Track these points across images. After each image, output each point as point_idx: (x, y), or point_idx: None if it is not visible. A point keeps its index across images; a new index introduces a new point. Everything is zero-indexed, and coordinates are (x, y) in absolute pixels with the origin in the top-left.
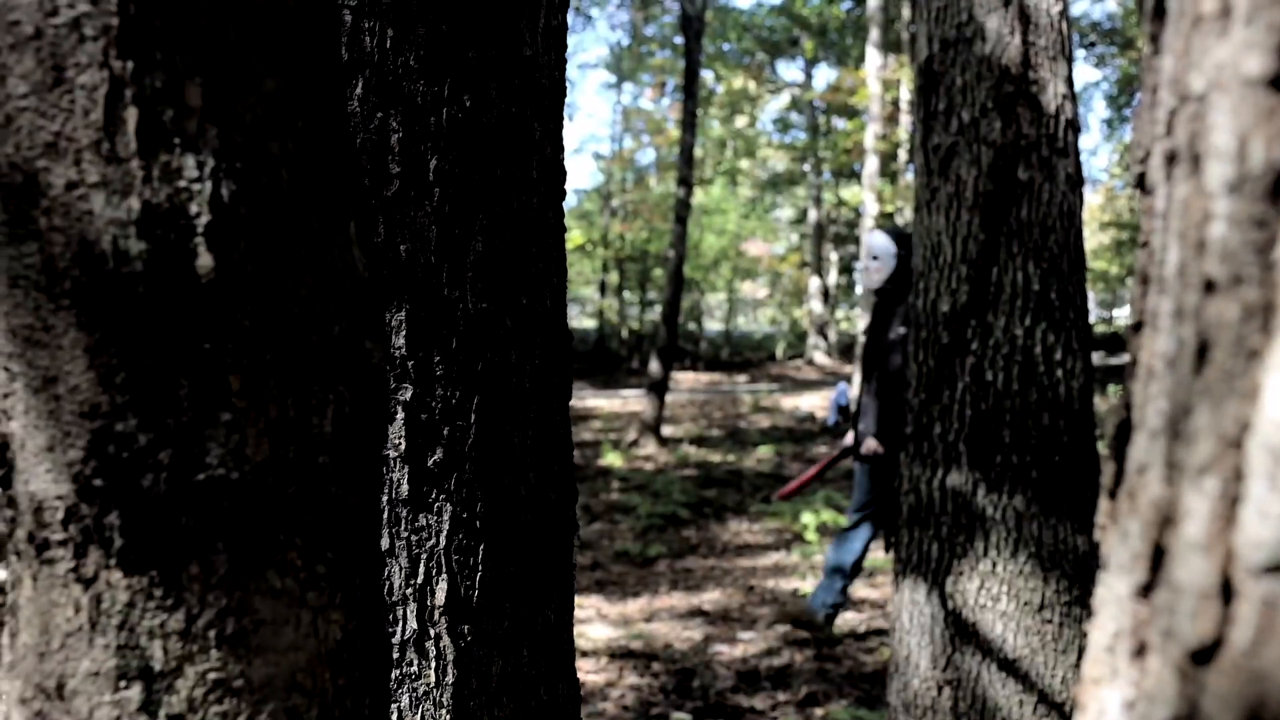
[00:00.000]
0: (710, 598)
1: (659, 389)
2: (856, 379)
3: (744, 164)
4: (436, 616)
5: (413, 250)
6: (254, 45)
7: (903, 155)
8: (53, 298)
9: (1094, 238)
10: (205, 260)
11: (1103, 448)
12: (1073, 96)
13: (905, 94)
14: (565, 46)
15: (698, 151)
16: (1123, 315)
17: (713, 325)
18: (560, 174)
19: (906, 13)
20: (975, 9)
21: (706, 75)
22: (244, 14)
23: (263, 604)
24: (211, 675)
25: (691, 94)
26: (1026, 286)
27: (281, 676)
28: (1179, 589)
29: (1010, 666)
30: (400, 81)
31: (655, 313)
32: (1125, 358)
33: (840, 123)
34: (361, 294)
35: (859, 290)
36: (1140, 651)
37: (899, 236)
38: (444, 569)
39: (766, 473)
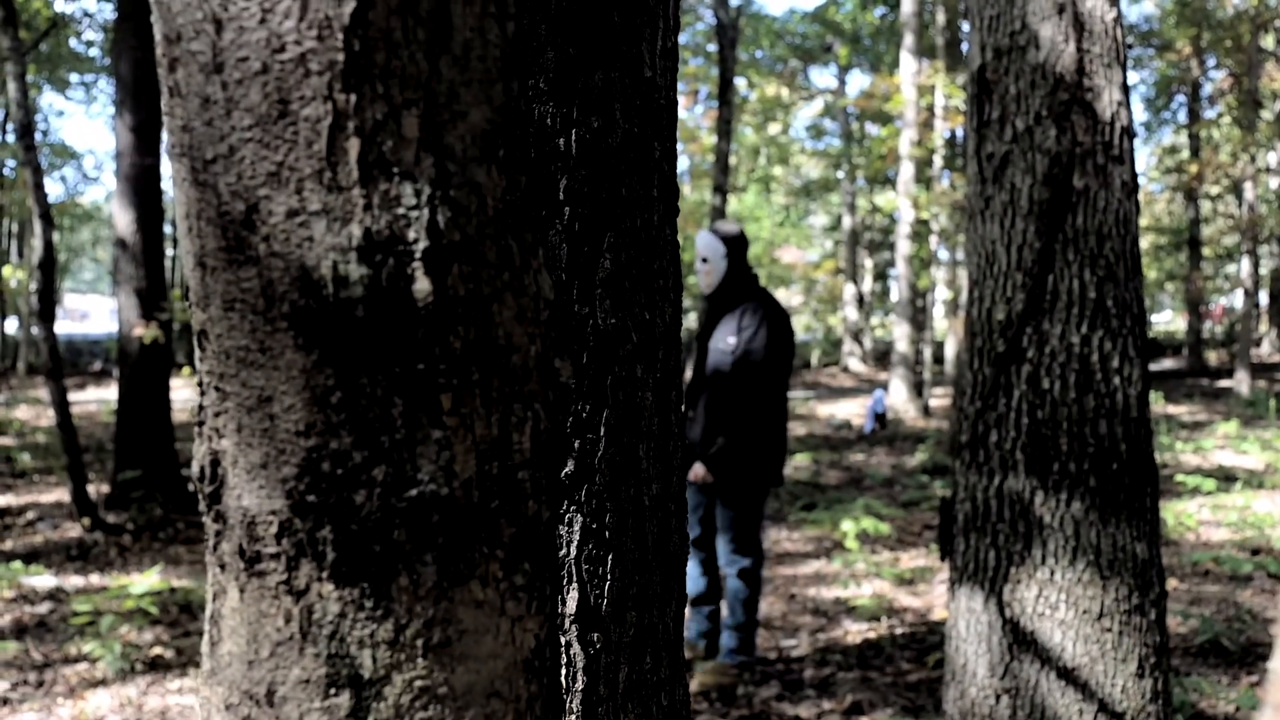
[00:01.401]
0: None
1: None
2: (894, 386)
3: (778, 171)
4: (567, 624)
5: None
6: (463, 78)
7: (938, 161)
8: (269, 320)
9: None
10: (423, 285)
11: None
12: (1128, 103)
13: (940, 100)
14: (677, 67)
15: (731, 158)
16: (1161, 321)
17: None
18: (675, 192)
19: (941, 18)
20: (1029, 17)
21: (740, 82)
22: (454, 49)
23: (466, 614)
24: (418, 683)
25: (725, 101)
26: (1083, 294)
27: (482, 683)
28: None
29: (1069, 675)
30: (531, 104)
31: (691, 320)
32: (1166, 364)
33: (874, 129)
34: (552, 315)
35: (894, 297)
36: None
37: (726, 237)
38: (574, 578)
39: (804, 480)
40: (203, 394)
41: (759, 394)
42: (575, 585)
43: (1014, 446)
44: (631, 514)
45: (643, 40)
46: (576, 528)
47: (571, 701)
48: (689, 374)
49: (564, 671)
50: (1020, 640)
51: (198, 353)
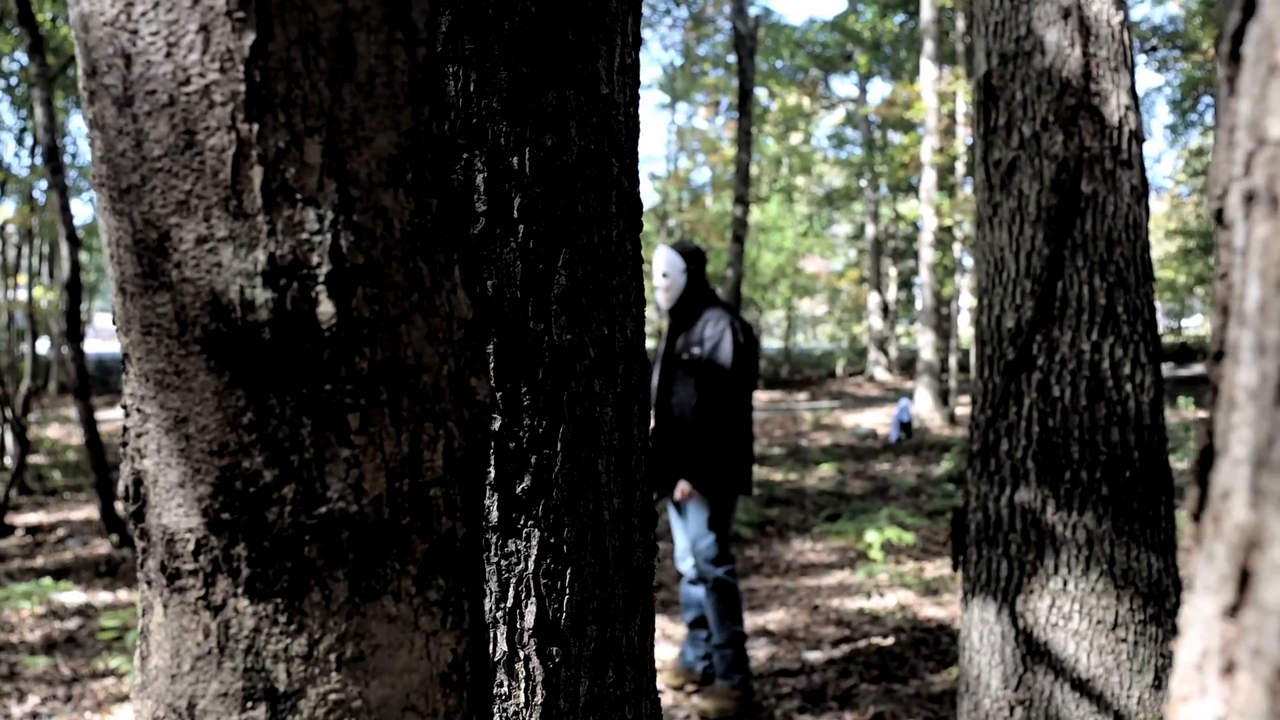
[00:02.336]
0: (775, 617)
1: None
2: (919, 394)
3: (800, 180)
4: (526, 639)
5: (499, 285)
6: (368, 104)
7: (960, 168)
8: (183, 344)
9: (1160, 246)
10: (326, 308)
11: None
12: (1136, 107)
13: (961, 106)
14: (639, 83)
15: (753, 169)
16: (1192, 325)
17: (772, 343)
18: (638, 207)
19: (961, 25)
20: (1034, 22)
21: (760, 92)
22: (358, 76)
23: (379, 628)
24: (332, 696)
25: (746, 112)
26: (1093, 300)
27: (397, 697)
28: (1266, 609)
29: (1084, 686)
30: (484, 124)
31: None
32: (1196, 369)
33: (896, 137)
34: (467, 335)
35: (919, 305)
36: (1229, 669)
37: (686, 252)
38: (533, 593)
39: (829, 491)
40: (127, 415)
41: (726, 400)
42: (534, 599)
43: (1025, 455)
44: (591, 528)
45: (599, 58)
46: (534, 542)
47: (530, 715)
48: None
49: (522, 685)
50: (1034, 651)
51: (123, 376)
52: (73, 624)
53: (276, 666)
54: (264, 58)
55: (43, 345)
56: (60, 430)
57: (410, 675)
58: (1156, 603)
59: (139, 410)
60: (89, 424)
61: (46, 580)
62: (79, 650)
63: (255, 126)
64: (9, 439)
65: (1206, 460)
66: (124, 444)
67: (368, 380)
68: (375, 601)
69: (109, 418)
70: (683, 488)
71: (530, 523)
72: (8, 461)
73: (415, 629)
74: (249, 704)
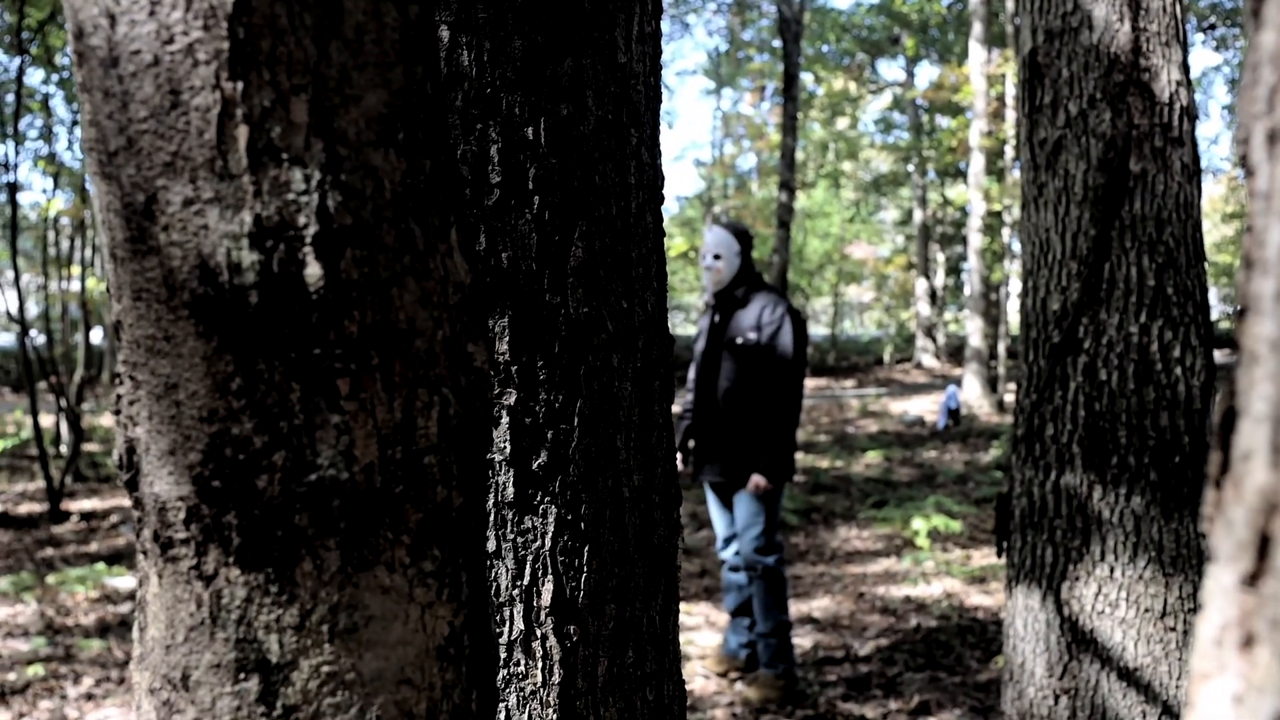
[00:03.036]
0: (820, 605)
1: None
2: (967, 381)
3: (846, 166)
4: (543, 617)
5: (514, 257)
6: (356, 62)
7: (1009, 152)
8: (172, 309)
9: (1217, 230)
10: (314, 270)
11: None
12: (1188, 83)
13: (1010, 89)
14: (660, 52)
15: (799, 155)
16: None
17: (818, 329)
18: (659, 179)
19: (1010, 5)
20: None
21: (806, 77)
22: (345, 33)
23: (372, 599)
24: (325, 668)
25: (791, 97)
26: (1141, 282)
27: (391, 670)
28: None
29: (1130, 676)
30: (498, 94)
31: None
32: None
33: (944, 121)
34: (464, 299)
35: (967, 291)
36: (1248, 643)
37: (739, 232)
38: (549, 570)
39: (875, 478)
40: (119, 384)
41: (788, 389)
42: (551, 577)
43: (1071, 440)
44: (610, 505)
45: (616, 26)
46: (551, 519)
47: (548, 694)
48: (694, 373)
49: (539, 664)
50: (1079, 639)
51: (116, 343)
52: (125, 608)
53: (269, 637)
54: (248, 14)
55: (96, 335)
56: (113, 419)
57: (405, 648)
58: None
59: (131, 378)
60: None
61: (100, 565)
62: (132, 634)
63: (239, 85)
64: (64, 427)
65: (1229, 422)
66: (116, 411)
67: (358, 344)
68: (368, 572)
69: None
70: (757, 480)
71: (547, 499)
72: (63, 449)
73: (410, 600)
74: (241, 675)
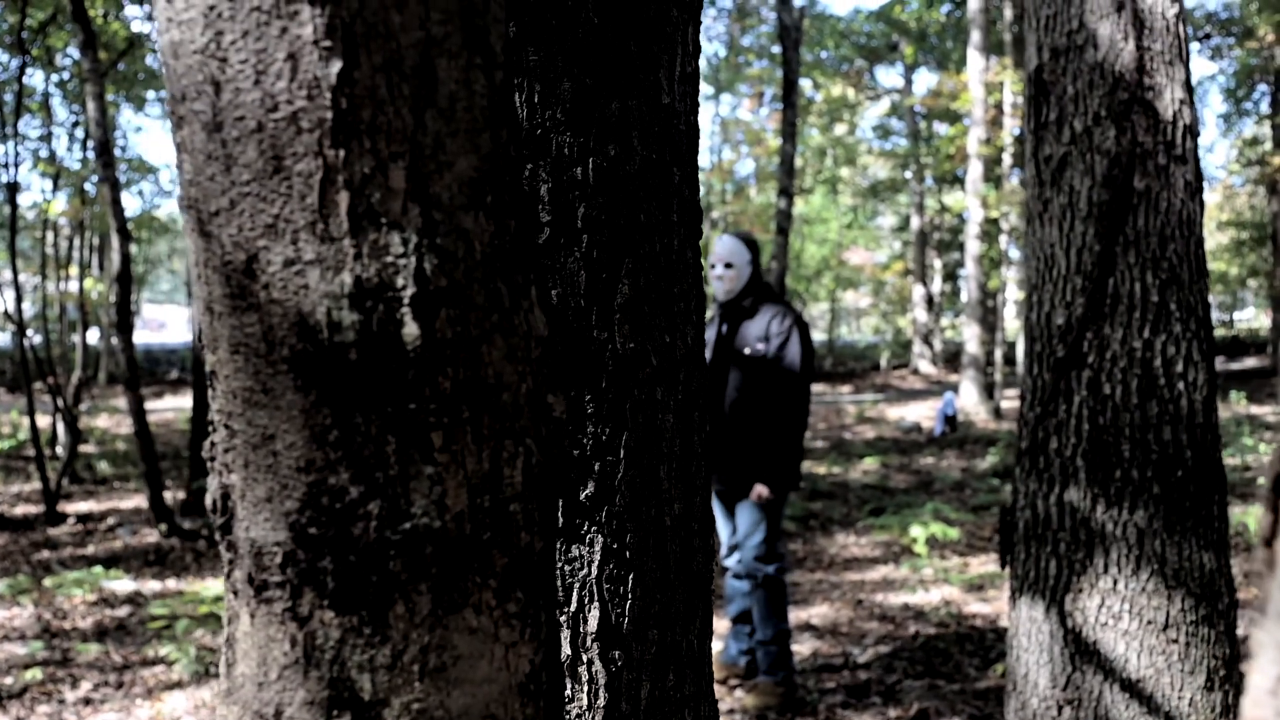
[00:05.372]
0: (819, 612)
1: None
2: (964, 388)
3: (844, 172)
4: (589, 643)
5: (563, 294)
6: (449, 129)
7: (1007, 160)
8: (271, 363)
9: (1212, 238)
10: (411, 329)
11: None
12: (1191, 102)
13: (1009, 97)
14: (698, 91)
15: (797, 161)
16: (1245, 318)
17: (816, 335)
18: (697, 215)
19: (1009, 14)
20: (1086, 16)
21: (805, 83)
22: (439, 101)
23: (461, 640)
24: (415, 705)
25: (790, 103)
26: (1145, 297)
27: (477, 706)
28: None
29: (1133, 687)
30: (548, 135)
31: None
32: (1249, 363)
33: (942, 128)
34: (544, 353)
35: (964, 298)
36: None
37: (750, 242)
38: (596, 597)
39: (873, 485)
40: (213, 431)
41: (795, 400)
42: (597, 604)
43: (1074, 453)
44: (653, 534)
45: (660, 67)
46: (598, 548)
47: (593, 718)
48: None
49: (585, 689)
50: (1083, 651)
51: (210, 392)
52: (123, 612)
53: (361, 676)
54: (350, 85)
55: (92, 336)
56: (109, 420)
57: (490, 685)
58: (1209, 603)
59: (226, 426)
60: (139, 415)
61: (97, 568)
62: (129, 638)
63: (342, 152)
64: (61, 429)
65: None
66: (211, 458)
67: (450, 399)
68: (457, 614)
69: (155, 408)
70: (759, 490)
71: (594, 528)
72: (59, 450)
73: (495, 640)
74: (334, 711)
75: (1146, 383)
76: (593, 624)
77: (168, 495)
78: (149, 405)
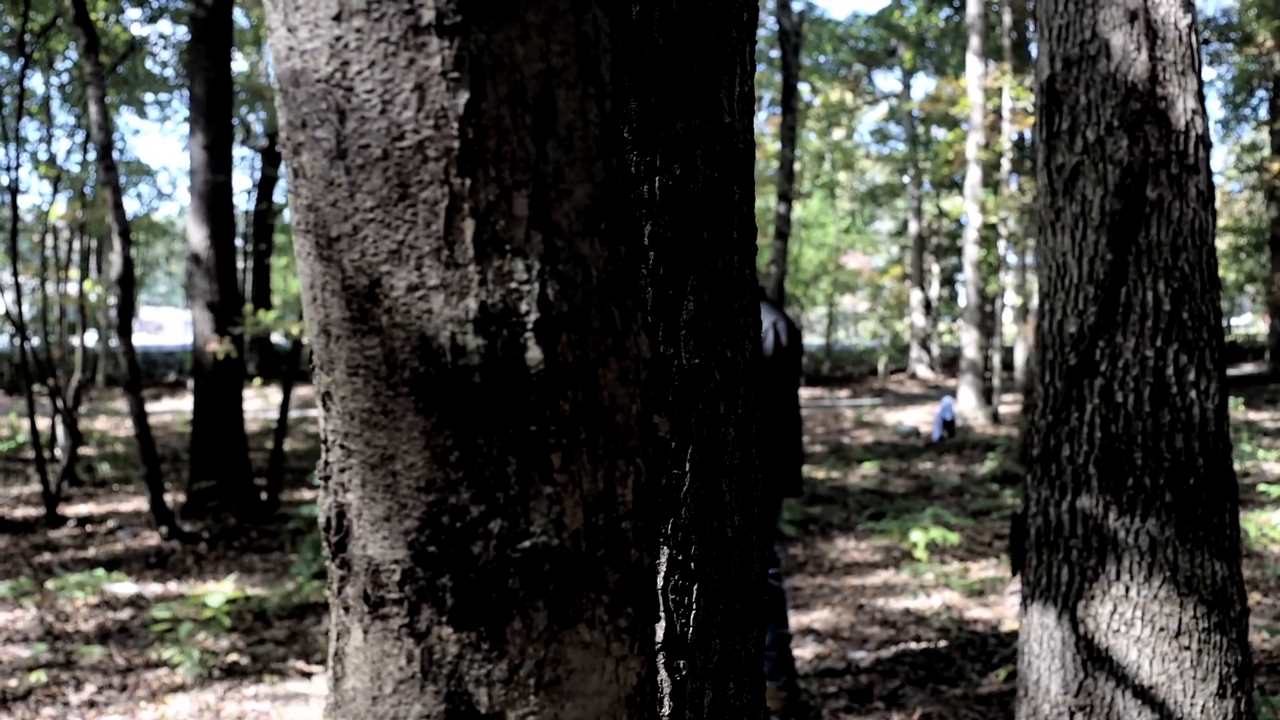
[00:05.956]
0: (820, 616)
1: None
2: (962, 393)
3: (842, 176)
4: (655, 652)
5: None
6: (568, 158)
7: (1005, 165)
8: (391, 386)
9: None
10: (534, 354)
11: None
12: (1203, 111)
13: (1007, 102)
14: (754, 110)
15: (796, 165)
16: (1242, 324)
17: (813, 339)
18: (753, 233)
19: (1008, 19)
20: (1099, 26)
21: (803, 88)
22: (559, 131)
23: (574, 654)
24: (530, 718)
25: (790, 108)
26: (1157, 307)
27: (589, 719)
28: None
29: (1146, 694)
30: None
31: None
32: (1246, 368)
33: (940, 133)
34: (650, 374)
35: (962, 303)
36: None
37: None
38: (661, 607)
39: (871, 489)
40: (327, 450)
41: (787, 403)
42: (663, 614)
43: (1086, 461)
44: (715, 545)
45: (721, 87)
46: (664, 559)
47: None
48: None
49: None
50: (1094, 657)
51: (321, 411)
52: (125, 614)
53: (478, 690)
54: (477, 115)
55: (89, 338)
56: (108, 422)
57: (600, 698)
58: (1221, 610)
59: (342, 446)
60: (140, 417)
61: (99, 571)
62: (132, 641)
63: (468, 181)
64: (60, 431)
65: None
66: (325, 478)
67: (569, 421)
68: (572, 629)
69: (152, 410)
70: None
71: (660, 541)
72: (59, 453)
73: (607, 654)
74: None
75: (1158, 391)
76: (659, 634)
77: (167, 498)
78: (147, 407)
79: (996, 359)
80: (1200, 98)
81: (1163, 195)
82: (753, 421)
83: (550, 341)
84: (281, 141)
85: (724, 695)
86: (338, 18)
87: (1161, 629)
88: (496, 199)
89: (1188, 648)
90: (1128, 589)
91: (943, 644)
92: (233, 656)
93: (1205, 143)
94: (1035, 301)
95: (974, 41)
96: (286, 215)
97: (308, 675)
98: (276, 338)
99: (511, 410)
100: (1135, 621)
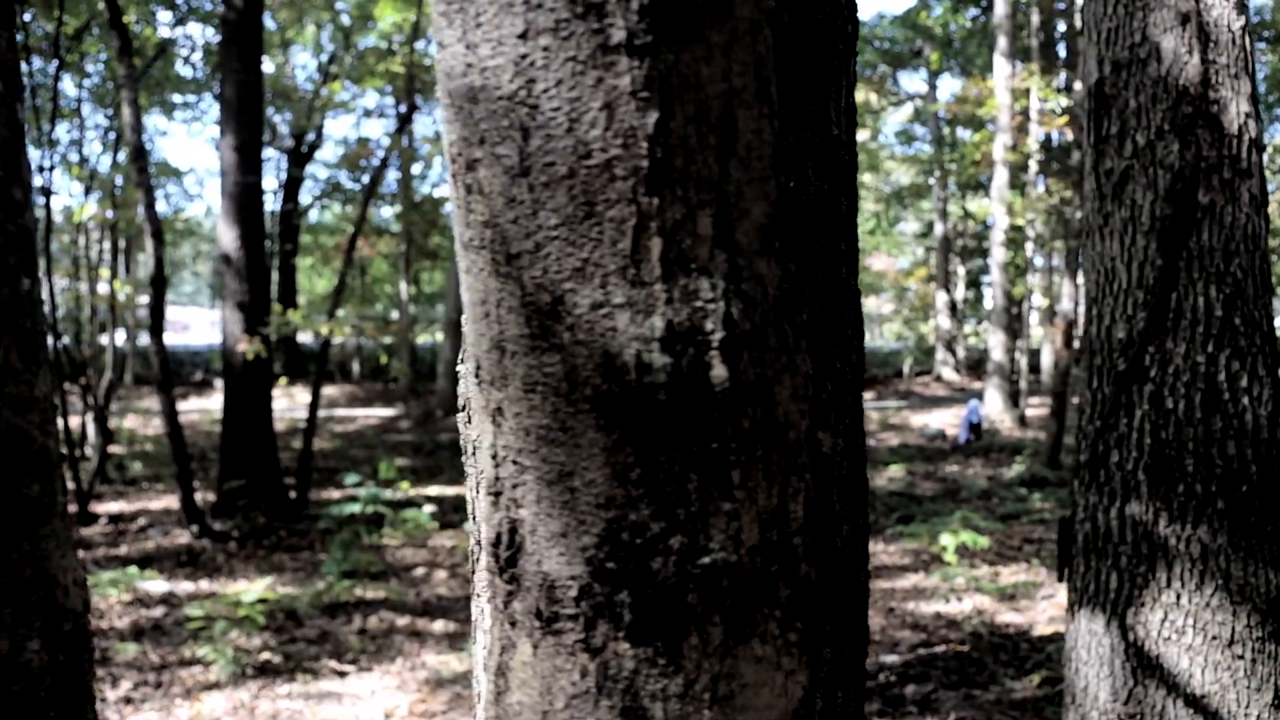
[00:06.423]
0: None
1: None
2: (989, 395)
3: (867, 178)
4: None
5: None
6: (747, 177)
7: (1033, 166)
8: (571, 403)
9: None
10: (720, 372)
11: None
12: (1257, 115)
13: (1035, 103)
14: (856, 123)
15: None
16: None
17: None
18: (856, 244)
19: (1035, 20)
20: (1150, 29)
21: None
22: (739, 150)
23: (747, 669)
24: None
25: None
26: (1208, 312)
27: None
28: None
29: (1198, 703)
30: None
31: None
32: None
33: (966, 134)
34: (815, 391)
35: (989, 305)
36: None
37: None
38: None
39: (899, 492)
40: (497, 466)
41: None
42: None
43: (1136, 467)
44: (826, 554)
45: (830, 100)
46: None
47: None
48: None
49: None
50: (1144, 665)
51: (489, 427)
52: (158, 612)
53: (654, 704)
54: (665, 135)
55: (119, 337)
56: (136, 421)
57: (770, 711)
58: (1275, 620)
59: (515, 462)
60: (171, 417)
61: (132, 569)
62: (166, 638)
63: (655, 200)
64: (90, 429)
65: None
66: (495, 494)
67: (748, 438)
68: (746, 644)
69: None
70: None
71: None
72: (89, 451)
73: (777, 668)
74: None
75: (1210, 398)
76: None
77: (197, 496)
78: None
79: (1023, 361)
80: (1254, 101)
81: (1215, 200)
82: (860, 433)
83: (734, 360)
84: (451, 157)
85: (832, 704)
86: (524, 36)
87: (1214, 637)
88: (683, 218)
89: (1241, 657)
90: (1179, 596)
91: (975, 648)
92: (265, 655)
93: (1258, 147)
94: (1063, 304)
95: (1001, 42)
96: (312, 216)
97: (341, 674)
98: (302, 337)
99: (695, 428)
100: (1187, 629)
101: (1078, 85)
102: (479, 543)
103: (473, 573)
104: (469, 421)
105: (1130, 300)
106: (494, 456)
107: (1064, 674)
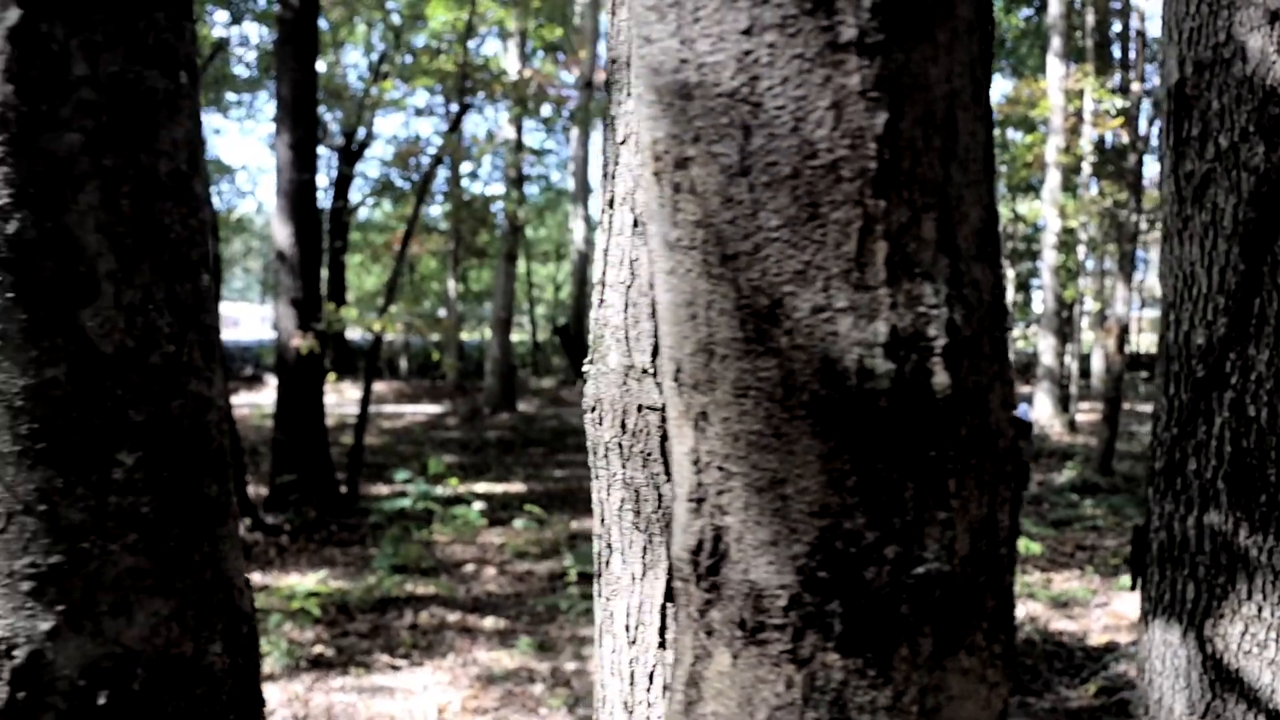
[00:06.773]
0: None
1: None
2: (1039, 400)
3: None
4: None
5: None
6: (966, 179)
7: (1086, 169)
8: (786, 408)
9: None
10: (942, 379)
11: None
12: None
13: (1089, 105)
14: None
15: None
16: None
17: None
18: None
19: (1090, 20)
20: (1235, 28)
21: None
22: (959, 152)
23: (954, 681)
24: None
25: None
26: None
27: None
28: None
29: None
30: None
31: None
32: None
33: (1018, 135)
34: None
35: (1039, 308)
36: None
37: None
38: None
39: None
40: (700, 472)
41: None
42: None
43: (1215, 476)
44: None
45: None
46: None
47: None
48: None
49: None
50: (1223, 679)
51: (690, 432)
52: None
53: (860, 716)
54: (894, 136)
55: None
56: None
57: None
58: None
59: (721, 468)
60: (226, 412)
61: None
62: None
63: (882, 202)
64: None
65: None
66: (698, 500)
67: (965, 446)
68: (954, 656)
69: (233, 403)
70: None
71: None
72: None
73: (982, 681)
74: None
75: None
76: None
77: (250, 490)
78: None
79: (1074, 366)
80: None
81: None
82: None
83: (956, 366)
84: (654, 155)
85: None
86: (748, 32)
87: None
88: (908, 221)
89: None
90: (1260, 609)
91: (1029, 656)
92: (318, 648)
93: None
94: (1115, 308)
95: (1055, 42)
96: (362, 214)
97: (394, 668)
98: (350, 334)
99: (915, 435)
100: (1269, 643)
101: (1134, 86)
102: (608, 545)
103: (598, 576)
104: (600, 424)
105: (1210, 305)
106: (695, 462)
107: (1137, 685)
